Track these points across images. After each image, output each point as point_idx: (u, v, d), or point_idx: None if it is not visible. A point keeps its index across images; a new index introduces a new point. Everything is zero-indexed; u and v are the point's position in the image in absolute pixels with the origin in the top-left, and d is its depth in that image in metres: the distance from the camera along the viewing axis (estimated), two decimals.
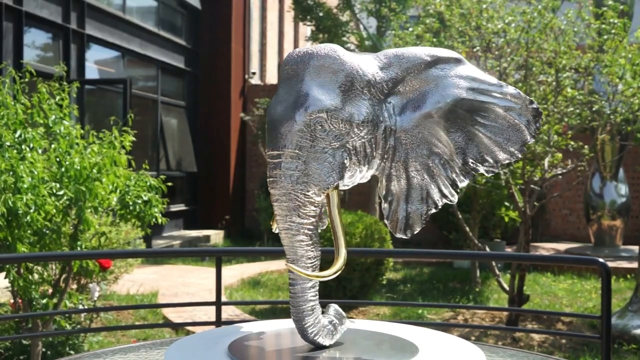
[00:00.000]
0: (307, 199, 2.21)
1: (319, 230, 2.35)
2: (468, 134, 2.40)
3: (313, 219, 2.24)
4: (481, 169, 2.43)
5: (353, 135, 2.24)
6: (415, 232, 2.43)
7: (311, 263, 2.25)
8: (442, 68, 2.39)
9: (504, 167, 7.99)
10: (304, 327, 2.25)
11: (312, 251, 2.24)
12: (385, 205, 2.45)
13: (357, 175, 2.35)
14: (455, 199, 2.45)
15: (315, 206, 2.23)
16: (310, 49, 2.28)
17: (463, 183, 2.45)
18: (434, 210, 2.44)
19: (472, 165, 2.42)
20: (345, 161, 2.24)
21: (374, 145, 2.30)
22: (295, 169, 2.19)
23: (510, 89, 2.41)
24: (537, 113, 2.42)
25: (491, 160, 2.43)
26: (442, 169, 2.40)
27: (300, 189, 2.20)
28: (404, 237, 2.42)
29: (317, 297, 2.29)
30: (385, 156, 2.36)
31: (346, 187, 2.40)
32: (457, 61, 2.42)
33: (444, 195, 2.43)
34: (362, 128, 2.25)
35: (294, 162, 2.19)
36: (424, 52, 2.40)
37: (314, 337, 2.26)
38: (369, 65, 2.32)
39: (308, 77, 2.22)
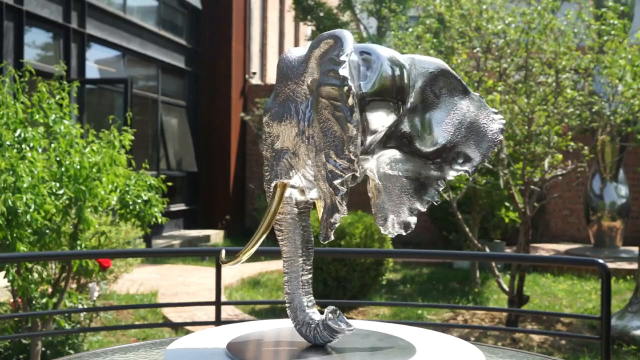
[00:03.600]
0: None
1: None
2: (330, 126, 2.10)
3: (287, 215, 2.33)
4: (337, 171, 2.09)
5: (288, 136, 2.26)
6: (330, 239, 2.13)
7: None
8: (325, 54, 2.15)
9: (504, 168, 7.99)
10: (293, 316, 2.33)
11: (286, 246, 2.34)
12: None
13: (309, 175, 2.27)
14: (342, 207, 2.09)
15: (284, 202, 2.32)
16: None
17: (337, 184, 2.08)
18: (337, 216, 2.11)
19: (334, 164, 2.09)
20: (285, 161, 2.27)
21: (299, 145, 2.25)
22: (266, 167, 2.36)
23: (341, 60, 2.07)
24: (345, 97, 2.05)
25: (343, 159, 2.08)
26: (325, 170, 2.13)
27: (267, 186, 2.35)
28: (322, 242, 2.16)
29: (304, 290, 2.33)
30: (310, 155, 2.21)
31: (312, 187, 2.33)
32: (333, 40, 2.14)
33: (338, 202, 2.10)
34: (285, 128, 2.25)
35: (266, 162, 2.36)
36: (318, 39, 2.18)
37: (299, 328, 2.31)
38: (297, 63, 2.24)
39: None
